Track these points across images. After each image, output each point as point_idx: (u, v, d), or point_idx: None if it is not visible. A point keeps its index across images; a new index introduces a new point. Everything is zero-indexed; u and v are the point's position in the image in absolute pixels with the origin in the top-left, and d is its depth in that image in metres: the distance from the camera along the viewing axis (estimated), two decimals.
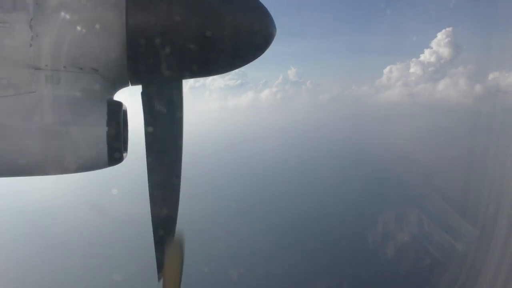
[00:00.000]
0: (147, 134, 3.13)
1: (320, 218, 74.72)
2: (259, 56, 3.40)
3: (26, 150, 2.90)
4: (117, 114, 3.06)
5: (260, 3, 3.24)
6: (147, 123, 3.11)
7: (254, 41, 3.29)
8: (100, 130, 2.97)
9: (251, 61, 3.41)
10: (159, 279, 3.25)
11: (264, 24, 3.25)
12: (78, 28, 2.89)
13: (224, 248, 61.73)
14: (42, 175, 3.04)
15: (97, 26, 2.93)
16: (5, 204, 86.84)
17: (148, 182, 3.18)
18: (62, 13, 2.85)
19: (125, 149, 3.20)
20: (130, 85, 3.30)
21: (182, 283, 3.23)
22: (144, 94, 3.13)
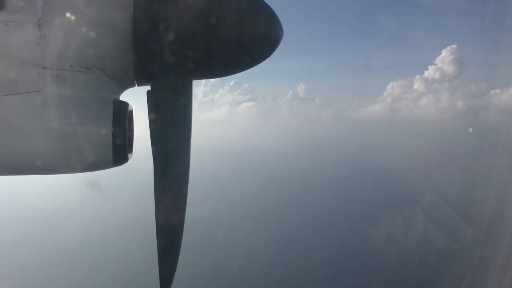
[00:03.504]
0: (153, 134, 3.11)
1: (320, 221, 75.53)
2: (266, 58, 3.40)
3: (31, 148, 2.89)
4: (123, 114, 3.05)
5: (268, 6, 3.25)
6: (152, 123, 3.10)
7: (261, 42, 3.30)
8: (105, 130, 2.95)
9: (258, 63, 3.42)
10: None
11: (271, 25, 3.27)
12: (86, 28, 2.91)
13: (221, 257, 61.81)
14: (47, 174, 3.02)
15: (105, 26, 2.94)
16: (5, 206, 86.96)
17: (154, 183, 3.14)
18: (70, 13, 2.87)
19: (130, 149, 3.18)
20: (136, 85, 3.30)
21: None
22: (150, 94, 3.12)
